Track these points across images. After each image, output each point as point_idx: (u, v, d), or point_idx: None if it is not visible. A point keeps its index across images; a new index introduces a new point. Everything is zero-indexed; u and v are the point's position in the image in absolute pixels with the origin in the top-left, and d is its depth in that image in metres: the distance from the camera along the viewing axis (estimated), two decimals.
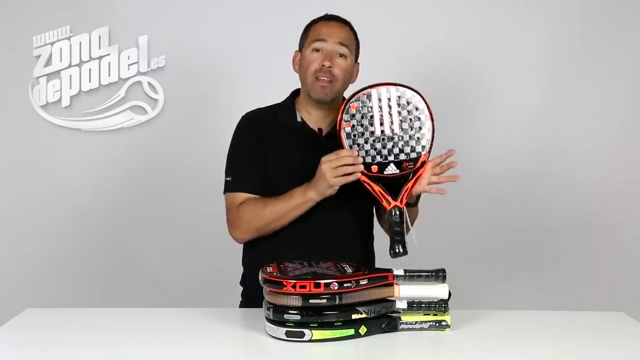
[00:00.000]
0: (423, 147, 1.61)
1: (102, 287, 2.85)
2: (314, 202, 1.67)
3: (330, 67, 1.74)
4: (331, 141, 1.79)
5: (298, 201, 1.67)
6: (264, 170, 1.77)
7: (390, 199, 1.58)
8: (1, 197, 2.87)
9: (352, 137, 1.60)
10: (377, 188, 1.59)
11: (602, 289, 2.84)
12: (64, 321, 1.60)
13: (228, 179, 1.80)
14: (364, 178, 1.59)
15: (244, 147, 1.82)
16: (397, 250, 1.54)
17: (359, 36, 1.84)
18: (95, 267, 2.87)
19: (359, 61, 1.85)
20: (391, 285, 1.49)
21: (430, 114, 1.62)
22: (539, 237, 2.89)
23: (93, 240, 2.87)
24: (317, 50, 1.76)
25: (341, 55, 1.76)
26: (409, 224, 1.59)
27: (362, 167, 1.59)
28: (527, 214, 2.89)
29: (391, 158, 1.60)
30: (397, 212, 1.56)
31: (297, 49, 1.85)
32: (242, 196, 1.77)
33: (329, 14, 1.83)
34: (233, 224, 1.77)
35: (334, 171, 1.58)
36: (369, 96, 1.61)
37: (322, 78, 1.74)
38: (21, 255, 2.88)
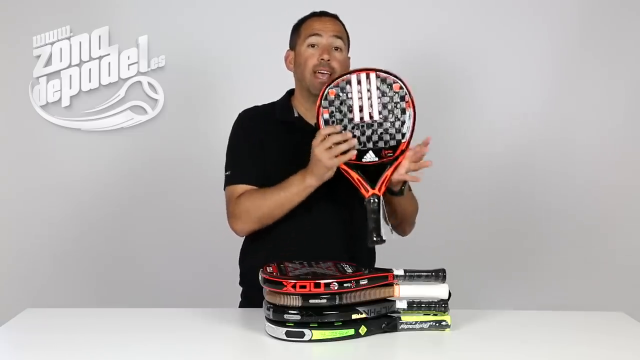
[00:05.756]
0: (403, 134, 1.59)
1: (102, 287, 2.85)
2: (313, 188, 1.65)
3: (328, 60, 1.75)
4: None
5: (296, 189, 1.66)
6: (263, 162, 1.78)
7: (368, 187, 1.56)
8: (1, 197, 2.87)
9: (331, 123, 1.59)
10: (355, 175, 1.57)
11: (602, 289, 2.84)
12: (64, 321, 1.60)
13: (227, 173, 1.81)
14: (342, 165, 1.58)
15: (242, 140, 1.83)
16: (375, 239, 1.53)
17: (354, 33, 1.86)
18: (95, 267, 2.87)
19: (349, 56, 1.86)
20: (391, 285, 1.49)
21: (412, 100, 1.59)
22: (539, 237, 2.89)
23: (93, 240, 2.87)
24: (313, 45, 1.78)
25: (337, 49, 1.78)
26: (385, 211, 1.58)
27: (355, 141, 1.57)
28: (527, 214, 2.89)
29: (370, 145, 1.58)
30: (376, 200, 1.55)
31: (289, 47, 1.87)
32: (241, 188, 1.76)
33: (316, 11, 1.85)
34: (233, 216, 1.76)
35: (329, 152, 1.57)
36: (348, 82, 1.60)
37: (322, 72, 1.75)
38: (21, 255, 2.88)
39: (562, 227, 2.88)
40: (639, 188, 2.90)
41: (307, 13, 1.86)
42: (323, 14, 1.84)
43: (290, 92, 1.90)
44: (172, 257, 2.87)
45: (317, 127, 1.80)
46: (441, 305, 1.50)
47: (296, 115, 1.84)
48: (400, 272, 1.49)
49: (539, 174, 2.89)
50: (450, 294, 1.50)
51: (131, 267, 2.87)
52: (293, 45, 1.85)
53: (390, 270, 1.50)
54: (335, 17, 1.85)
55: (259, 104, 1.91)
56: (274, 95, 1.91)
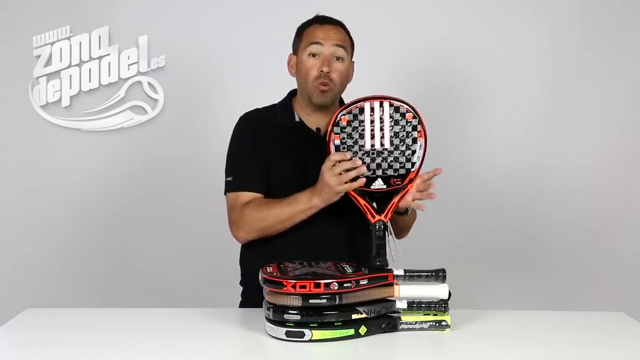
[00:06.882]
0: (413, 164, 1.59)
1: (102, 287, 2.85)
2: (318, 209, 1.66)
3: (328, 72, 1.74)
4: None
5: (302, 207, 1.66)
6: (265, 167, 1.78)
7: (374, 212, 1.57)
8: (1, 197, 2.87)
9: (341, 150, 1.59)
10: (362, 201, 1.58)
11: (602, 289, 2.84)
12: (64, 321, 1.60)
13: (229, 179, 1.79)
14: (350, 191, 1.59)
15: (244, 146, 1.82)
16: (378, 263, 1.53)
17: (356, 36, 1.84)
18: (95, 267, 2.87)
19: (353, 59, 1.84)
20: (391, 285, 1.49)
21: (424, 130, 1.59)
22: (540, 237, 2.89)
23: (93, 240, 2.87)
24: (314, 55, 1.76)
25: (338, 59, 1.76)
26: (394, 236, 1.60)
27: (365, 169, 1.57)
28: (527, 214, 2.89)
29: (379, 173, 1.59)
30: (382, 226, 1.56)
31: (292, 51, 1.85)
32: (245, 195, 1.76)
33: (320, 15, 1.82)
34: (236, 224, 1.76)
35: (338, 179, 1.57)
36: (361, 109, 1.59)
37: (322, 84, 1.74)
38: (21, 255, 2.88)
39: (562, 227, 2.88)
40: (639, 188, 2.90)
41: (308, 14, 1.84)
42: (326, 21, 1.80)
43: (293, 93, 1.89)
44: (172, 257, 2.87)
45: (317, 133, 1.81)
46: (441, 305, 1.50)
47: (297, 120, 1.83)
48: (400, 272, 1.50)
49: (539, 175, 2.88)
50: (450, 294, 1.51)
51: (131, 267, 2.87)
52: (295, 50, 1.83)
53: (390, 270, 1.50)
54: (338, 23, 1.81)
55: (259, 104, 1.89)
56: (274, 95, 1.90)
